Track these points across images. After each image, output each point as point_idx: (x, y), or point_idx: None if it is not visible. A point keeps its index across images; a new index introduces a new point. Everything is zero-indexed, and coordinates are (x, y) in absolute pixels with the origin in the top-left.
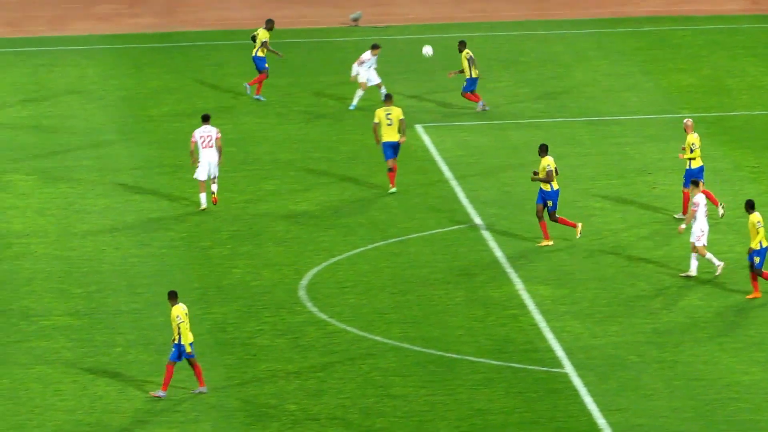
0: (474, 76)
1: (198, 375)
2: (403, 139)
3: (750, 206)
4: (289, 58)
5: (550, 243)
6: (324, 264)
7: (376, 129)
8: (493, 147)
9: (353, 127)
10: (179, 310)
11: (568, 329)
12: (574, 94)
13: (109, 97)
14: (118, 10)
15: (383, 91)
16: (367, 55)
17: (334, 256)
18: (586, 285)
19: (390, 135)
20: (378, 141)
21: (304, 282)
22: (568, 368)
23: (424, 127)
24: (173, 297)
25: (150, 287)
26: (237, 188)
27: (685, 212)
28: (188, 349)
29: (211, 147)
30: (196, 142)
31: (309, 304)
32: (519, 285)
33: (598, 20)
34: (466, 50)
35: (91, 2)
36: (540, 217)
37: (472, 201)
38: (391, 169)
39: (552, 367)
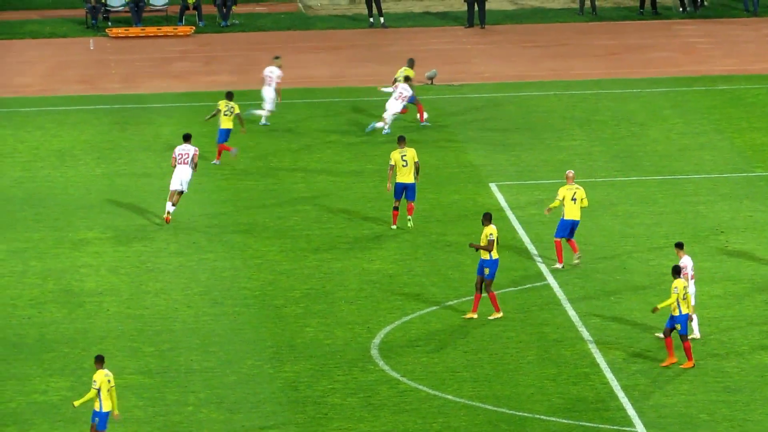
0: None
1: None
2: (417, 180)
3: (675, 272)
4: (362, 117)
5: (500, 315)
6: (396, 323)
7: (391, 171)
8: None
9: (427, 185)
10: (100, 376)
11: (639, 387)
12: (649, 152)
13: None
14: (193, 68)
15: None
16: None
17: (406, 315)
18: (657, 344)
19: (404, 177)
20: (390, 183)
21: (376, 340)
22: (639, 427)
23: (498, 186)
24: (99, 361)
25: (223, 345)
26: (310, 246)
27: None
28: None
29: (186, 164)
30: (175, 158)
31: (381, 363)
32: (591, 343)
33: (673, 78)
34: None
35: (166, 60)
36: (479, 289)
37: (544, 260)
38: (396, 208)
39: (623, 426)
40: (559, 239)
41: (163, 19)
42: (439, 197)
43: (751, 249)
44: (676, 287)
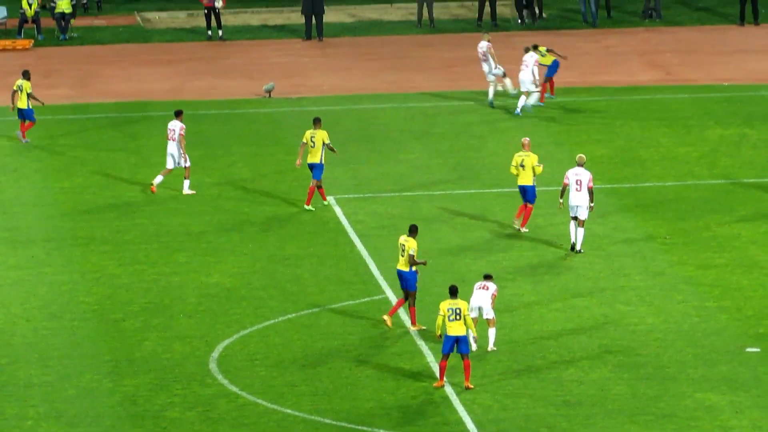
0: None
1: None
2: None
3: (452, 292)
4: (202, 129)
5: (423, 327)
6: (235, 336)
7: (301, 149)
8: (406, 218)
9: (265, 198)
10: None
11: (479, 401)
12: (487, 165)
13: (22, 170)
14: (33, 81)
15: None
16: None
17: (245, 329)
18: (497, 357)
19: (312, 157)
20: (300, 159)
21: (215, 354)
22: None
23: (336, 199)
24: None
25: (61, 360)
26: (149, 260)
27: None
28: None
29: (174, 140)
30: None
31: (220, 377)
32: (430, 357)
33: None
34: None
35: (5, 73)
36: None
37: (383, 273)
38: (319, 188)
39: None
40: (522, 205)
41: (1, 32)
42: (277, 210)
43: (589, 261)
44: (451, 307)
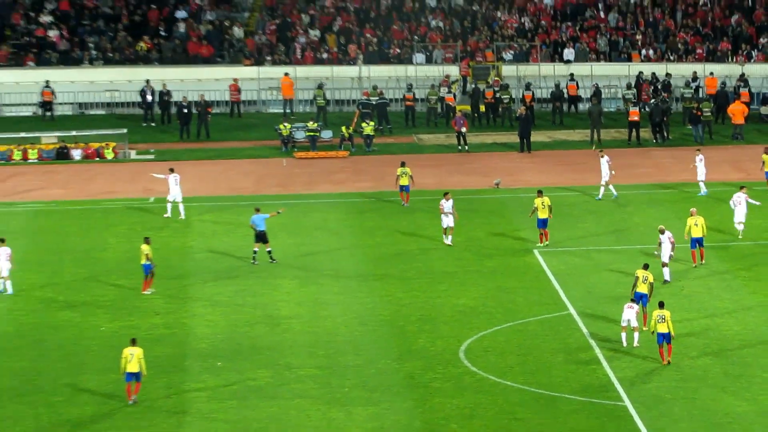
0: None
1: None
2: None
3: None
4: (459, 207)
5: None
6: (475, 336)
7: (532, 212)
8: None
9: (493, 251)
10: None
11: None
12: None
13: (342, 232)
14: (348, 178)
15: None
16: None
17: (481, 331)
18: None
19: (543, 214)
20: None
21: (462, 347)
22: None
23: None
24: None
25: (367, 350)
26: (420, 289)
27: None
28: None
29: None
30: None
31: (466, 362)
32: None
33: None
34: None
35: (331, 172)
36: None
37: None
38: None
39: None
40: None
41: (329, 146)
42: (504, 258)
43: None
44: None
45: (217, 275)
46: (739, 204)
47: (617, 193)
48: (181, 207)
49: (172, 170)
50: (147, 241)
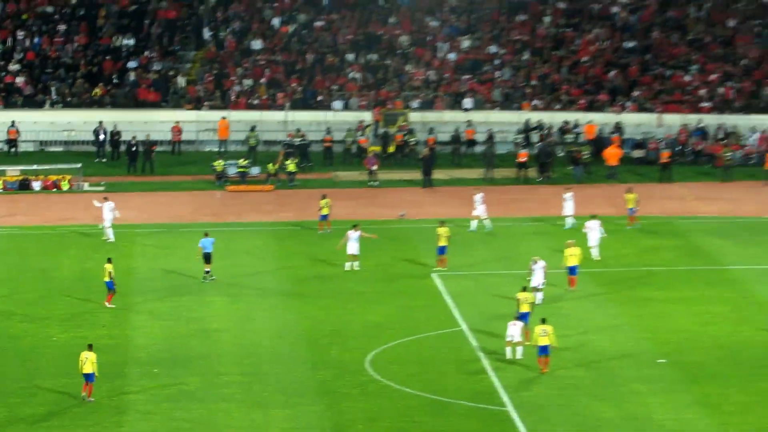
0: None
1: None
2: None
3: None
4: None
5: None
6: (379, 348)
7: (438, 240)
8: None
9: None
10: None
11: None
12: None
13: (268, 256)
14: (274, 209)
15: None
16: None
17: (386, 344)
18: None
19: (442, 242)
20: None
21: (368, 358)
22: None
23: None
24: None
25: (282, 360)
26: (333, 307)
27: None
28: None
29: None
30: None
31: (370, 370)
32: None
33: None
34: None
35: (258, 204)
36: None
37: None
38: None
39: None
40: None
41: (257, 181)
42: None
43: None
44: None
45: (158, 293)
46: (593, 230)
47: (491, 225)
48: (109, 231)
49: (106, 198)
50: (110, 261)
